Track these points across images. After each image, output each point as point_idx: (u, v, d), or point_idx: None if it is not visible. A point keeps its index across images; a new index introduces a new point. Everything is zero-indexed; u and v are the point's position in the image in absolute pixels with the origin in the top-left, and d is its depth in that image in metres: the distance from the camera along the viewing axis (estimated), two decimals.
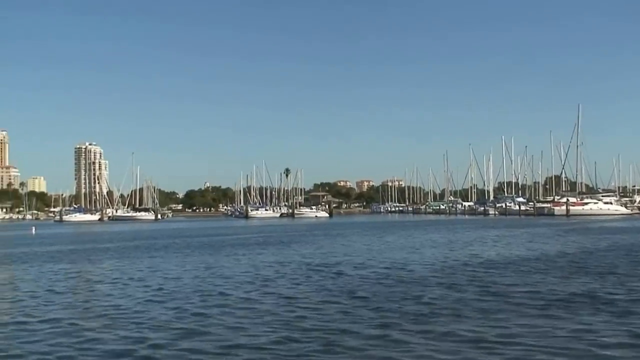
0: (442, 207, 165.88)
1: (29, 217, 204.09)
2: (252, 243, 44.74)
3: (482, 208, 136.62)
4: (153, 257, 33.07)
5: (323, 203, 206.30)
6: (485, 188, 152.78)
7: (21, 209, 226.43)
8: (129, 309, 15.37)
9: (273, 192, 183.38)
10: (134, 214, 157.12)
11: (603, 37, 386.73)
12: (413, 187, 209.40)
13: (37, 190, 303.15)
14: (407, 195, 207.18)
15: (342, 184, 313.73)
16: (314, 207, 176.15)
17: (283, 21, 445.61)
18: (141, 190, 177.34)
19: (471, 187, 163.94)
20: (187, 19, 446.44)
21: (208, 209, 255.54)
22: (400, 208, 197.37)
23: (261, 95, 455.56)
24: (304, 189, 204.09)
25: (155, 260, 30.88)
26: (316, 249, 36.89)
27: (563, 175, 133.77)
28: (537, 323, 12.67)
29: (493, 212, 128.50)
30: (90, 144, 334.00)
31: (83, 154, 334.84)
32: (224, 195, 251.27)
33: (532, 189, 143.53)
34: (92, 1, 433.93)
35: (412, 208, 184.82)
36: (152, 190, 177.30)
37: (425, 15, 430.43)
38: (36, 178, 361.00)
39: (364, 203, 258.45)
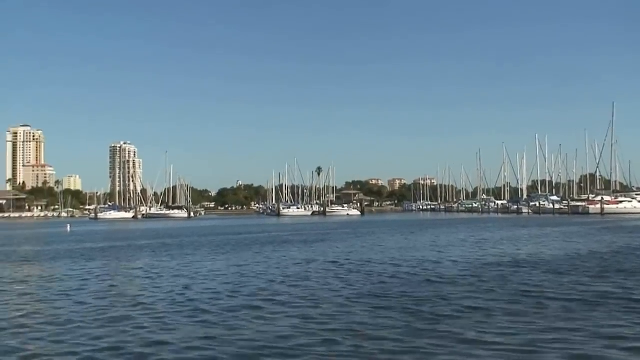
0: (474, 205, 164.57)
1: (64, 214, 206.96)
2: (283, 241, 44.82)
3: (516, 207, 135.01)
4: (185, 255, 33.27)
5: (355, 201, 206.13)
6: (519, 186, 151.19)
7: (57, 206, 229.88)
8: (154, 310, 15.35)
9: (305, 191, 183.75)
10: (168, 212, 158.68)
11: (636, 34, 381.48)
12: (445, 186, 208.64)
13: (72, 188, 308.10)
14: (439, 194, 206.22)
15: (374, 182, 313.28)
16: (345, 205, 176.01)
17: (305, 21, 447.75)
18: (174, 188, 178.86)
19: (504, 186, 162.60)
20: (217, 20, 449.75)
21: (240, 207, 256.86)
22: (433, 206, 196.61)
23: (293, 94, 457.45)
24: (336, 187, 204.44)
25: (187, 258, 31.07)
26: (347, 248, 36.82)
27: (597, 174, 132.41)
28: (567, 325, 12.49)
29: (527, 211, 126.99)
30: (124, 143, 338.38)
31: (118, 153, 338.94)
32: (256, 193, 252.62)
33: (567, 187, 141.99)
34: (124, 2, 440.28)
35: (445, 206, 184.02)
36: (185, 188, 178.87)
37: (454, 12, 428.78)
38: (72, 176, 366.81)
39: (396, 201, 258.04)
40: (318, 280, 20.75)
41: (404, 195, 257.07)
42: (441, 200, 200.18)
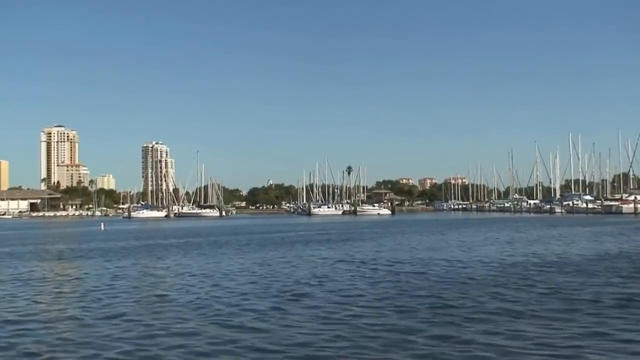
0: (506, 205, 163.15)
1: (98, 213, 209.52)
2: (312, 240, 45.00)
3: (548, 206, 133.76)
4: (214, 253, 33.65)
5: (385, 201, 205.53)
6: (552, 186, 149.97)
7: (91, 205, 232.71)
8: (176, 310, 15.39)
9: (335, 190, 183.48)
10: (199, 211, 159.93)
11: None
12: (477, 185, 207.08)
13: (106, 187, 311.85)
14: (470, 193, 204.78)
15: (404, 181, 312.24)
16: (376, 204, 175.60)
17: (329, 19, 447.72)
18: (206, 187, 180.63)
19: (537, 185, 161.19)
20: (245, 21, 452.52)
21: (271, 206, 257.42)
22: (464, 206, 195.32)
23: (323, 94, 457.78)
24: (366, 186, 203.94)
25: (217, 257, 31.42)
26: (376, 247, 36.86)
27: (631, 173, 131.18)
28: (593, 328, 12.35)
29: (559, 211, 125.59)
30: (156, 143, 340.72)
31: (150, 153, 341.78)
32: (286, 192, 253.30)
33: (600, 186, 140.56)
34: (159, 3, 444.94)
35: (476, 206, 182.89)
36: (217, 187, 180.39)
37: (476, 11, 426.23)
38: (105, 176, 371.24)
39: (427, 201, 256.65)
40: (344, 280, 20.83)
41: (434, 194, 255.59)
42: (473, 199, 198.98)
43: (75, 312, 15.26)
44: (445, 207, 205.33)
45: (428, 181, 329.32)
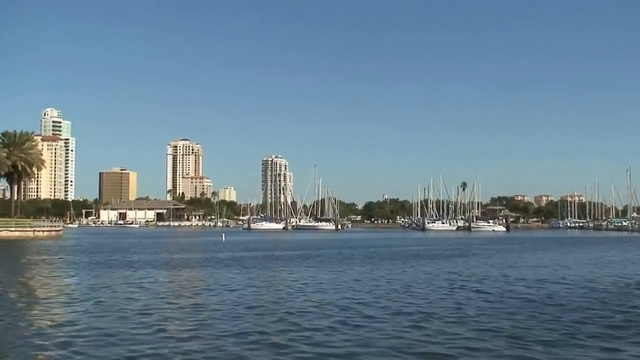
0: (624, 223, 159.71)
1: (219, 224, 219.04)
2: (421, 256, 46.67)
3: None
4: (337, 265, 36.09)
5: (500, 217, 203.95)
6: None
7: (213, 216, 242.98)
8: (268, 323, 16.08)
9: (450, 205, 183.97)
10: (316, 224, 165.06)
11: None
12: (594, 203, 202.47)
13: (227, 199, 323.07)
14: (587, 211, 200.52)
15: (519, 198, 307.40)
16: (490, 221, 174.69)
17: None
18: (322, 201, 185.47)
19: None
20: (369, 51, 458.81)
21: (386, 221, 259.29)
22: (581, 224, 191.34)
23: (442, 112, 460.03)
24: (481, 202, 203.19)
25: (340, 268, 33.82)
26: (484, 263, 38.29)
27: None
28: None
29: None
30: (276, 157, 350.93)
31: (269, 166, 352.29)
32: (401, 207, 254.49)
33: None
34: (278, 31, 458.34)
35: (593, 224, 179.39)
36: (333, 201, 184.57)
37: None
38: (227, 188, 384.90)
39: (542, 218, 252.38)
40: (435, 297, 22.08)
41: (550, 212, 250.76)
42: (590, 217, 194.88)
43: (182, 320, 16.97)
44: (561, 225, 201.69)
45: (544, 198, 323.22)
